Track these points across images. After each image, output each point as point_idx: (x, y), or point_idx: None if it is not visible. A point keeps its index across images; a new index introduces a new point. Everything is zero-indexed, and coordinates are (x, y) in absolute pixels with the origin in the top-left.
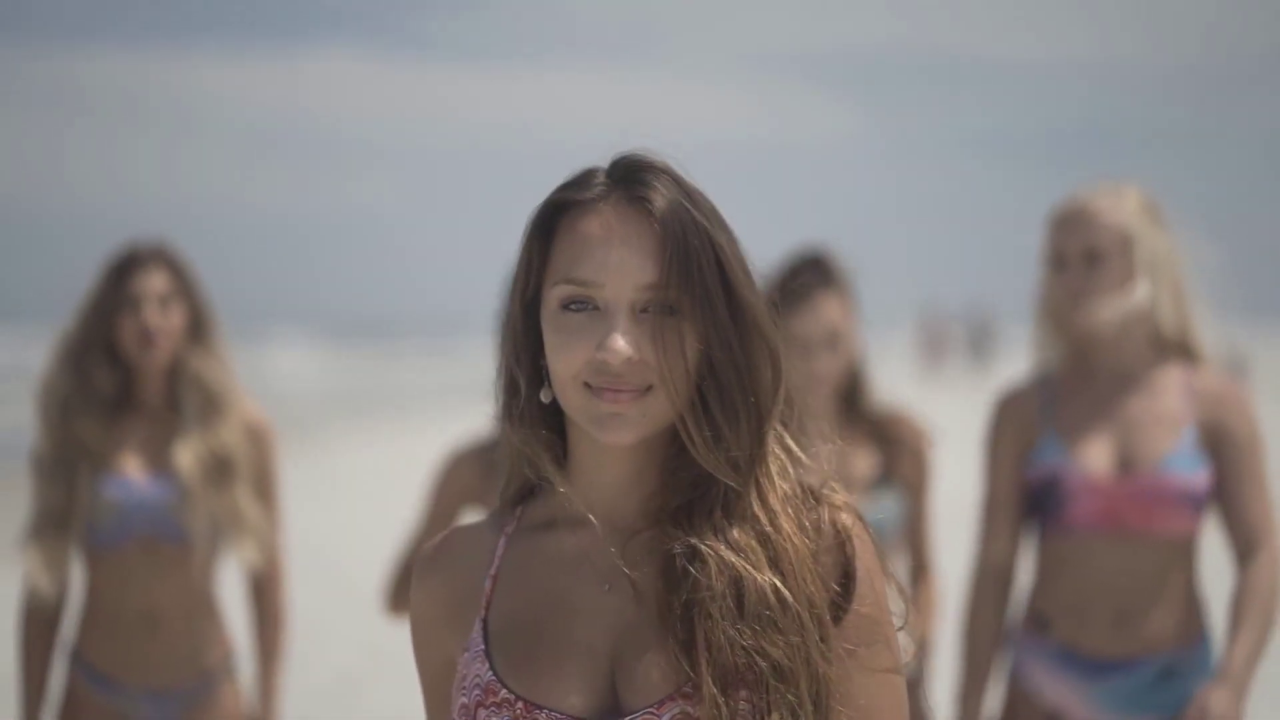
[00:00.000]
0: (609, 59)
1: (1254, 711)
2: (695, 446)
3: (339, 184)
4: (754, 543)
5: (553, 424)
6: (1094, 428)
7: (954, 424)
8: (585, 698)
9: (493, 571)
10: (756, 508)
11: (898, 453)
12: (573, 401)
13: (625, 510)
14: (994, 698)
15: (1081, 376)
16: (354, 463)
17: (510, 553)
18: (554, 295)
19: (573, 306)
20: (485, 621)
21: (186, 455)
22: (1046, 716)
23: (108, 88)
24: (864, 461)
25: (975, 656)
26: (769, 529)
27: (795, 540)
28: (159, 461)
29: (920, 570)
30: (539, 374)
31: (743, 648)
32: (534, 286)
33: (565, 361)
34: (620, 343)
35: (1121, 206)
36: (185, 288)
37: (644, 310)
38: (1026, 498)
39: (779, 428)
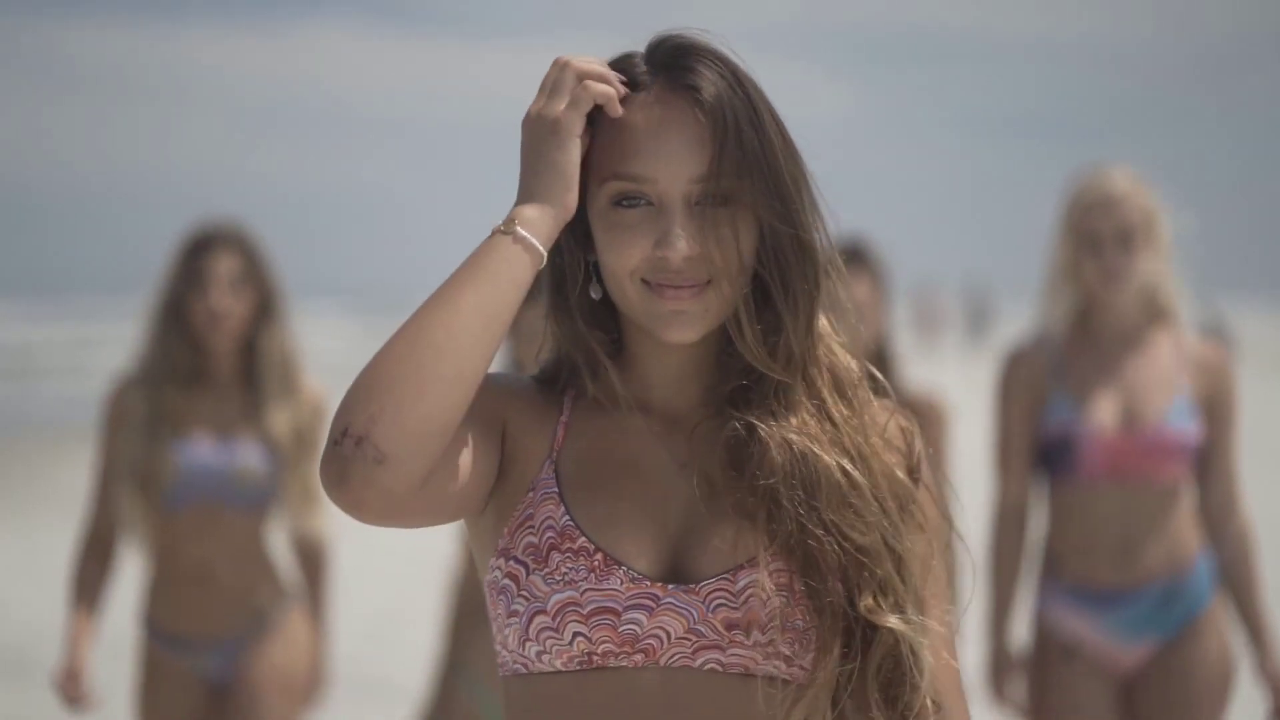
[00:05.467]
0: (611, 34)
1: None
2: (745, 342)
3: (340, 158)
4: (813, 429)
5: (602, 317)
6: (1101, 387)
7: (950, 397)
8: (657, 562)
9: (564, 419)
10: (806, 397)
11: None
12: (631, 299)
13: (684, 401)
14: (1021, 628)
15: (1083, 339)
16: None
17: (577, 412)
18: (603, 192)
19: (624, 203)
20: (555, 465)
21: (281, 426)
22: (1066, 647)
23: (99, 61)
24: None
25: (1000, 590)
26: (822, 418)
27: (850, 429)
28: (221, 432)
29: None
30: (587, 270)
31: (815, 529)
32: (580, 178)
33: (621, 259)
34: (680, 239)
35: (1144, 191)
36: (255, 270)
37: (698, 202)
38: (1038, 450)
39: (823, 319)
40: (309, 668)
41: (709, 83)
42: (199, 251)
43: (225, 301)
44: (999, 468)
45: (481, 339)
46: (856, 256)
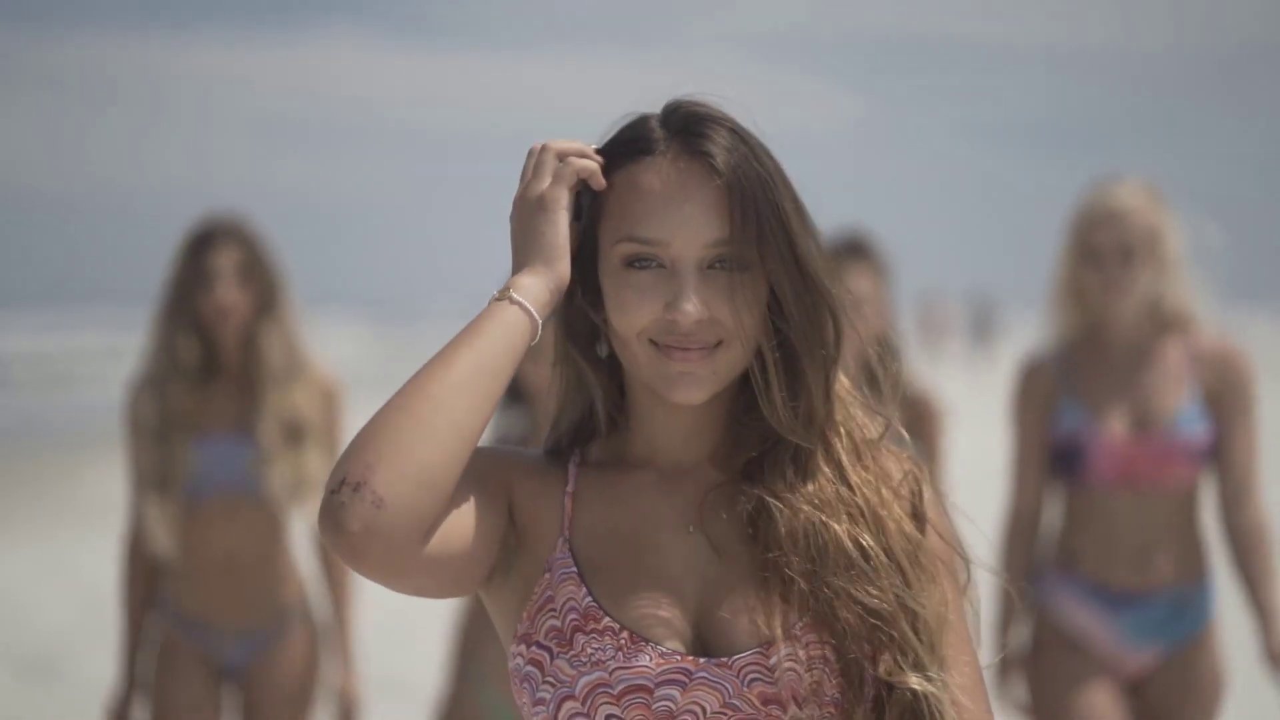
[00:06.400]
0: (616, 44)
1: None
2: (770, 404)
3: (361, 167)
4: (828, 495)
5: (608, 371)
6: (1110, 395)
7: (954, 405)
8: (684, 636)
9: (570, 489)
10: (824, 462)
11: (914, 430)
12: (639, 360)
13: (690, 457)
14: (1023, 627)
15: (1094, 349)
16: None
17: (583, 480)
18: (615, 253)
19: (636, 264)
20: (570, 543)
21: (266, 423)
22: (1071, 642)
23: (128, 74)
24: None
25: (1007, 591)
26: (839, 483)
27: (866, 491)
28: (239, 424)
29: None
30: (593, 325)
31: (825, 595)
32: (590, 240)
33: (630, 320)
34: (692, 303)
35: (1149, 206)
36: (258, 262)
37: (710, 266)
38: (1050, 456)
39: (842, 379)
40: (314, 678)
41: (722, 149)
42: (201, 247)
43: (232, 295)
44: (1014, 475)
45: (477, 395)
46: (858, 249)
